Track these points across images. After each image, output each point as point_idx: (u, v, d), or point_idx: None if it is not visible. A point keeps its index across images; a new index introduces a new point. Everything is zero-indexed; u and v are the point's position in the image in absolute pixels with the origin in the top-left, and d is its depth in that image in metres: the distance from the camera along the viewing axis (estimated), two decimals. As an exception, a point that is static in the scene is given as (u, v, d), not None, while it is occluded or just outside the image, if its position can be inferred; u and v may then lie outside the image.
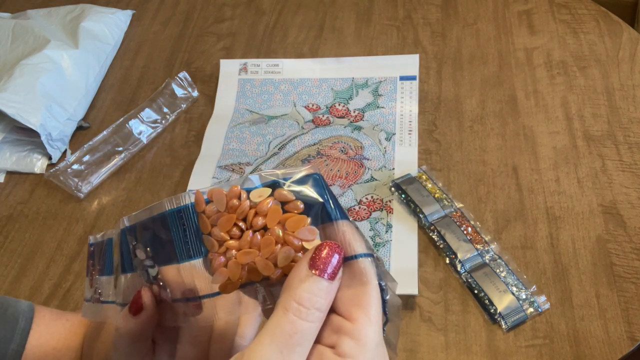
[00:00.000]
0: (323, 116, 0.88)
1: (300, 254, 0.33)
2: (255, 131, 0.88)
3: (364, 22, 1.02)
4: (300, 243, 0.33)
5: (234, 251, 0.34)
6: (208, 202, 0.35)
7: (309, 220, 0.34)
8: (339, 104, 0.90)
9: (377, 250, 0.72)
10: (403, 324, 0.67)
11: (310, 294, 0.31)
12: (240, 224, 0.35)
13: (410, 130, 0.84)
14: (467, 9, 1.01)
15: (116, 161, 0.87)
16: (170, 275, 0.37)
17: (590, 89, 0.86)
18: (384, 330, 0.35)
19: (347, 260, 0.33)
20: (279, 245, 0.34)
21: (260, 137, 0.87)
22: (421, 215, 0.73)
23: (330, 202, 0.34)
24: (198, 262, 0.36)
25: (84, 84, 0.94)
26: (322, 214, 0.34)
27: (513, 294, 0.66)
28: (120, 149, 0.87)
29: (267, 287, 0.35)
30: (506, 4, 1.01)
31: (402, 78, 0.91)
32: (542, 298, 0.66)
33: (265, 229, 0.34)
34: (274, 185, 0.35)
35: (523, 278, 0.68)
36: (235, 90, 0.94)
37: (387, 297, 0.35)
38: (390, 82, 0.91)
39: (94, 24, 1.00)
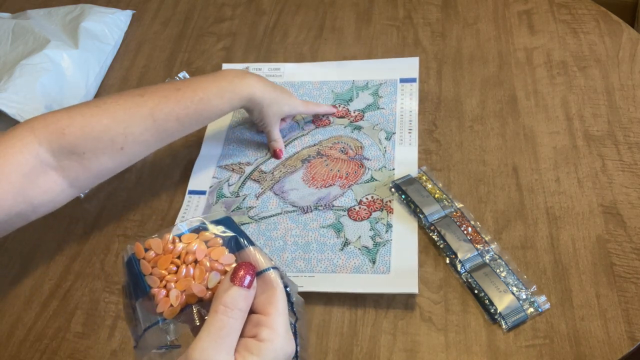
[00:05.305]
0: (323, 117, 0.88)
1: (223, 277, 0.44)
2: (256, 132, 0.88)
3: (364, 22, 1.02)
4: (223, 267, 0.45)
5: (173, 284, 0.44)
6: (147, 250, 0.46)
7: (227, 250, 0.46)
8: (339, 105, 0.89)
9: (378, 250, 0.72)
10: (403, 323, 0.67)
11: (232, 298, 0.42)
12: (176, 261, 0.45)
13: (410, 129, 0.84)
14: (467, 9, 1.01)
15: (116, 161, 0.86)
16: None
17: (590, 89, 0.86)
18: (295, 326, 0.46)
19: (260, 273, 0.44)
20: (208, 273, 0.45)
21: (261, 138, 0.87)
22: (421, 216, 0.73)
23: (241, 235, 0.47)
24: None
25: (84, 84, 0.94)
26: (236, 244, 0.46)
27: (513, 294, 0.66)
28: (120, 149, 0.87)
29: (201, 306, 0.45)
30: (506, 4, 1.01)
31: (402, 80, 0.91)
32: (542, 298, 0.66)
33: (195, 262, 0.45)
34: (198, 229, 0.47)
35: (523, 278, 0.68)
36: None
37: (294, 299, 0.46)
38: (390, 84, 0.91)
39: (94, 24, 1.00)
